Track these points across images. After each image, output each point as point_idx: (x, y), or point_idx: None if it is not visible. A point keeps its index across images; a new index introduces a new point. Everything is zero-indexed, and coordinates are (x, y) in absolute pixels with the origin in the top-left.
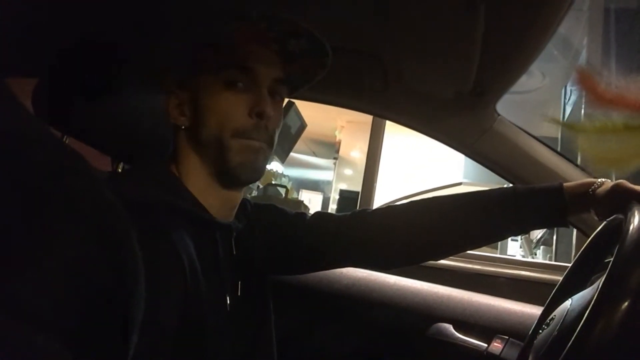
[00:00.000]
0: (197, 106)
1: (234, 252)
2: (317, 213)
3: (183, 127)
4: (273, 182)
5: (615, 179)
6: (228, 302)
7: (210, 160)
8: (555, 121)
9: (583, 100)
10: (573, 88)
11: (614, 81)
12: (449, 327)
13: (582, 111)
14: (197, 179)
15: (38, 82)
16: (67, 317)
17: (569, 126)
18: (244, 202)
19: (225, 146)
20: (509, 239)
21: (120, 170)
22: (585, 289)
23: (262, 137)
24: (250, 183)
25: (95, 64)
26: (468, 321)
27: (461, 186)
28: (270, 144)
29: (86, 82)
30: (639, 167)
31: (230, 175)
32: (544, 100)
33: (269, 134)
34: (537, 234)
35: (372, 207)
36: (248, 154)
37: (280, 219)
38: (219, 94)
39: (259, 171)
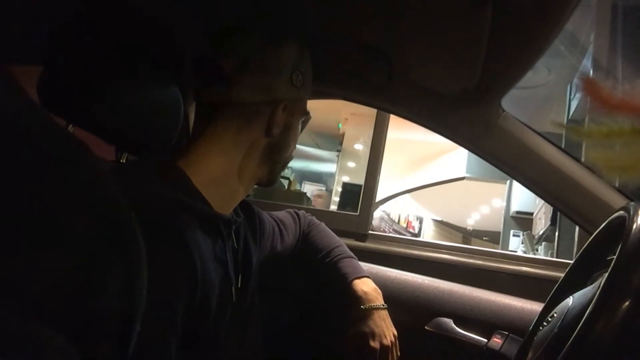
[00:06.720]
0: (290, 130)
1: (235, 246)
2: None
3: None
4: None
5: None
6: (233, 292)
7: (267, 171)
8: (560, 125)
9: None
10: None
11: (619, 81)
12: (449, 322)
13: (587, 108)
14: (233, 175)
15: (44, 70)
16: (71, 310)
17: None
18: None
19: (285, 166)
20: (511, 234)
21: (124, 160)
22: (586, 286)
23: None
24: None
25: (105, 54)
26: (468, 316)
27: (464, 181)
28: None
29: (93, 71)
30: None
31: (265, 184)
32: (549, 95)
33: None
34: (539, 230)
35: (375, 200)
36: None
37: (265, 228)
38: (299, 125)
39: None
